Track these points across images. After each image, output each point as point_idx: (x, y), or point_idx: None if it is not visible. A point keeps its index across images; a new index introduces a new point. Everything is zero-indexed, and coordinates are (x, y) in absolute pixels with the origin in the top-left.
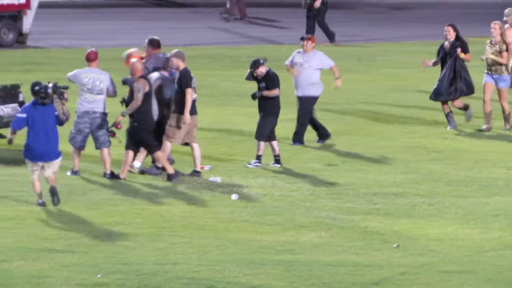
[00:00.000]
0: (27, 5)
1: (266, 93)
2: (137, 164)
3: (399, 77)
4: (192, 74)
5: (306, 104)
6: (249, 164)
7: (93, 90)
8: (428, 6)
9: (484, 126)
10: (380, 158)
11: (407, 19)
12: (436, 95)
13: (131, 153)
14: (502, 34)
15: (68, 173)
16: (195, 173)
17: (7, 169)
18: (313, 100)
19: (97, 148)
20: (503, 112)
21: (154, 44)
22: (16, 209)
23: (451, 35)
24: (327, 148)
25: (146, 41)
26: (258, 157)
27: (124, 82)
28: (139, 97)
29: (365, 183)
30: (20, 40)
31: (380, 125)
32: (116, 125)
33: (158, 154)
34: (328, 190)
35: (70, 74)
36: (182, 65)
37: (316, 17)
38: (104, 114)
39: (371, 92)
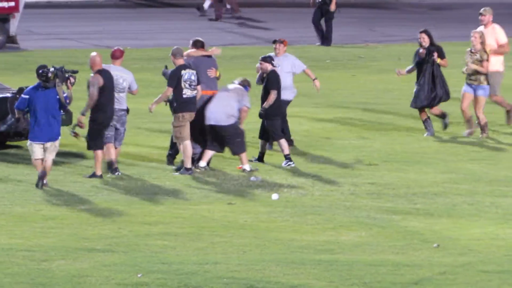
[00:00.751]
0: (16, 8)
1: (266, 105)
2: (202, 164)
3: None
4: (183, 71)
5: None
6: (284, 164)
7: (116, 87)
8: (468, 6)
9: (466, 132)
10: (420, 158)
11: (447, 19)
12: (417, 102)
13: (100, 152)
14: (482, 43)
15: (110, 172)
16: (186, 170)
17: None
18: (285, 104)
19: (116, 146)
20: (479, 122)
21: (198, 45)
22: (56, 209)
23: (426, 42)
24: (368, 148)
25: (191, 42)
26: (287, 157)
27: (164, 74)
28: (94, 92)
29: (405, 183)
30: (10, 41)
31: (420, 124)
32: (79, 124)
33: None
34: (368, 190)
35: None
36: (177, 62)
37: (326, 18)
38: (127, 111)
39: (412, 92)
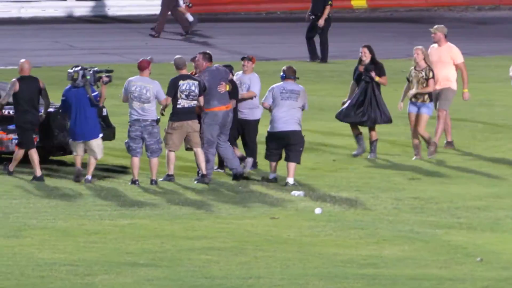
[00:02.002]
0: None
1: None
2: (249, 163)
3: (484, 91)
4: (181, 82)
5: (251, 129)
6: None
7: (140, 98)
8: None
9: (429, 152)
10: (463, 171)
11: (491, 33)
12: (344, 116)
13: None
14: (425, 59)
15: (129, 183)
16: (203, 177)
17: (86, 185)
18: (255, 123)
19: (148, 156)
20: (424, 139)
21: (208, 57)
22: (99, 223)
23: (367, 57)
24: (410, 162)
25: (200, 55)
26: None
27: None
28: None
29: (448, 197)
30: None
31: (464, 139)
32: None
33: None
34: (411, 204)
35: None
36: (179, 72)
37: (320, 34)
38: (155, 121)
39: (456, 107)
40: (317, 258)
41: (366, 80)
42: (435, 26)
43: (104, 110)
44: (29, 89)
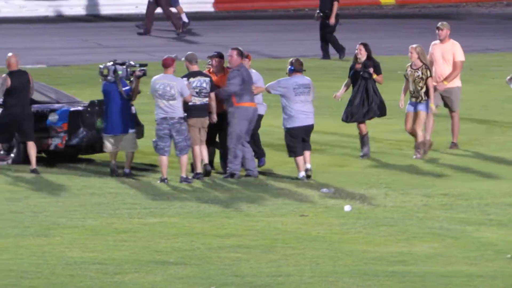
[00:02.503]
0: None
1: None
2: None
3: None
4: (192, 79)
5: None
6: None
7: (164, 96)
8: None
9: (416, 156)
10: (493, 168)
11: None
12: (347, 116)
13: None
14: (420, 58)
15: (158, 181)
16: (196, 175)
17: (119, 182)
18: (259, 119)
19: (177, 154)
20: (416, 138)
21: (241, 54)
22: (129, 221)
23: (362, 55)
24: (440, 159)
25: (234, 51)
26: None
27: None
28: None
29: (478, 194)
30: None
31: (494, 135)
32: None
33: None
34: (441, 201)
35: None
36: (191, 68)
37: (328, 32)
38: (182, 118)
39: (485, 103)
40: (347, 256)
41: (365, 76)
42: (442, 23)
43: (132, 108)
44: (21, 82)
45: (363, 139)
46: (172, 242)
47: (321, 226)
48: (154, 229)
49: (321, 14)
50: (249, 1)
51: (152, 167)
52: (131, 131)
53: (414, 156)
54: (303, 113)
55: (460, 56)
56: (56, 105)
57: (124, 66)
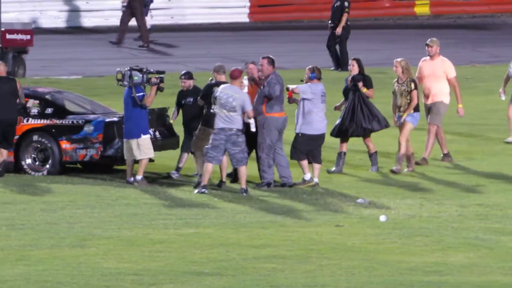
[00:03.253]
0: (31, 41)
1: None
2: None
3: None
4: (216, 88)
5: None
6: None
7: (225, 106)
8: None
9: (397, 167)
10: None
11: None
12: (337, 132)
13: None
14: (403, 72)
15: (195, 191)
16: (222, 183)
17: (154, 192)
18: None
19: (234, 166)
20: (399, 150)
21: (272, 62)
22: (164, 232)
23: (355, 70)
24: (475, 169)
25: (266, 60)
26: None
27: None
28: None
29: None
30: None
31: None
32: None
33: None
34: (476, 211)
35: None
36: (218, 78)
37: (338, 42)
38: (240, 131)
39: None
40: (382, 266)
41: (352, 89)
42: (431, 39)
43: (168, 119)
44: (4, 89)
45: (339, 155)
46: (208, 253)
47: (357, 237)
48: (190, 240)
49: (332, 25)
50: (284, 12)
51: (186, 178)
52: (140, 136)
53: (394, 168)
54: (324, 121)
55: (452, 73)
56: (91, 116)
57: (141, 73)
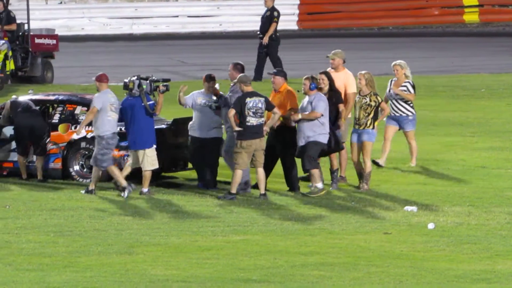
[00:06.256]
0: (57, 46)
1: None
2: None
3: None
4: (248, 99)
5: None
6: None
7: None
8: None
9: (361, 186)
10: None
11: None
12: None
13: None
14: (367, 85)
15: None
16: (262, 196)
17: (202, 200)
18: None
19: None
20: (364, 169)
21: (239, 68)
22: (212, 239)
23: (325, 84)
24: None
25: (231, 65)
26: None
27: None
28: None
29: None
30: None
31: None
32: None
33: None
34: None
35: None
36: (245, 89)
37: (267, 53)
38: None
39: None
40: (430, 274)
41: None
42: (333, 52)
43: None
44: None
45: (333, 175)
46: (255, 260)
47: (405, 244)
48: (237, 247)
49: (261, 35)
50: (333, 20)
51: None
52: (152, 146)
53: (361, 189)
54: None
55: (353, 88)
56: None
57: (148, 81)
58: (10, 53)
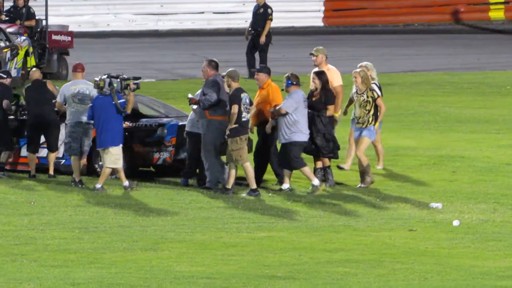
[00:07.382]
0: (72, 43)
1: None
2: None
3: None
4: (243, 94)
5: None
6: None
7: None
8: None
9: (361, 185)
10: None
11: None
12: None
13: None
14: (363, 82)
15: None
16: (253, 191)
17: (227, 197)
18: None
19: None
20: (360, 164)
21: (213, 65)
22: (237, 236)
23: (316, 84)
24: None
25: (205, 62)
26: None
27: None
28: None
29: None
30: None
31: None
32: None
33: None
34: None
35: None
36: (234, 85)
37: (259, 50)
38: None
39: None
40: (455, 271)
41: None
42: (316, 48)
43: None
44: (41, 92)
45: (325, 171)
46: (280, 257)
47: (430, 241)
48: (263, 243)
49: (253, 31)
50: (358, 16)
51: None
52: (118, 145)
53: (365, 184)
54: (306, 127)
55: (337, 81)
56: (165, 119)
57: (118, 79)
58: (31, 49)
